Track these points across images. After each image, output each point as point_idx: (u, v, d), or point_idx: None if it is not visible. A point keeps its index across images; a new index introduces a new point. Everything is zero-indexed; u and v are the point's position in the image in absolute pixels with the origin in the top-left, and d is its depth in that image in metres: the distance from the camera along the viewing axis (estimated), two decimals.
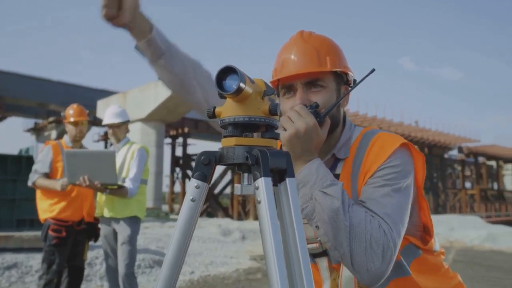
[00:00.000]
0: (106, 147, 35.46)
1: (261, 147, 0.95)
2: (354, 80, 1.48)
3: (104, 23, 1.18)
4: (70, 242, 4.21)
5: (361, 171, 1.35)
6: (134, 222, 4.23)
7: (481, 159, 45.13)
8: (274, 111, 0.95)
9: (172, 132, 30.23)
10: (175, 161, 32.09)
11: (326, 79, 1.41)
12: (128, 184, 4.17)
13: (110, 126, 4.39)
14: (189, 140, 32.38)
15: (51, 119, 33.98)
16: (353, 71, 1.51)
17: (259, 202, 0.89)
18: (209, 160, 0.96)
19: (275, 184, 0.96)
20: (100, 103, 25.73)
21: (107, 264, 4.39)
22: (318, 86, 1.41)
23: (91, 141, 37.35)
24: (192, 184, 0.96)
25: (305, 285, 0.86)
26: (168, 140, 31.40)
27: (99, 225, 4.46)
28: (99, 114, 25.30)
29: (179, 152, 32.14)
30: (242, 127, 0.97)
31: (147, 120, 21.97)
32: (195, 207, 0.95)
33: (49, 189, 4.14)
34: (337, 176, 1.39)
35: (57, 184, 4.07)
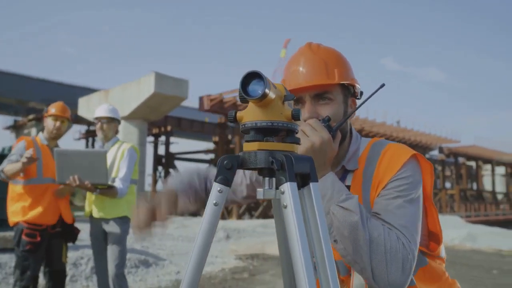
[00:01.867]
0: (87, 145, 35.14)
1: (284, 151, 0.95)
2: (361, 92, 1.49)
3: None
4: (44, 246, 4.04)
5: (373, 183, 1.37)
6: (124, 222, 4.20)
7: (461, 160, 45.78)
8: (297, 116, 0.96)
9: (155, 131, 30.06)
10: (157, 159, 31.92)
11: (334, 91, 1.43)
12: (118, 184, 4.14)
13: (100, 119, 4.34)
14: (172, 139, 32.26)
15: (31, 116, 33.55)
16: (360, 83, 1.52)
17: (285, 207, 0.90)
18: (232, 165, 0.97)
19: (298, 188, 0.96)
20: (82, 101, 25.46)
21: (96, 264, 4.35)
22: (326, 99, 1.42)
23: (72, 139, 36.97)
24: (215, 189, 0.96)
25: (331, 287, 0.88)
26: (151, 138, 31.22)
27: (80, 225, 4.37)
28: (80, 112, 25.04)
29: (161, 150, 32.02)
30: (264, 132, 0.97)
31: (129, 118, 21.79)
32: (217, 211, 0.95)
33: (16, 172, 3.82)
34: (347, 188, 1.39)
35: (19, 162, 3.75)
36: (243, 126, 1.00)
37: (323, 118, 1.35)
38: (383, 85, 1.38)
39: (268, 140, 0.98)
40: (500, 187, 55.94)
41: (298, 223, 0.87)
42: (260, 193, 0.97)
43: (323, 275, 0.91)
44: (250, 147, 0.98)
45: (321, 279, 0.92)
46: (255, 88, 0.91)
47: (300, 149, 1.23)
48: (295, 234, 0.87)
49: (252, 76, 0.91)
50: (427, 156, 39.03)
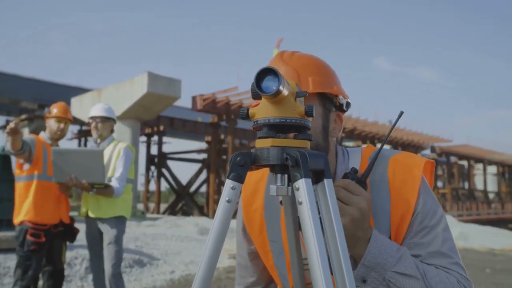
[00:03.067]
0: (79, 145, 34.98)
1: (297, 148, 0.95)
2: (348, 103, 1.33)
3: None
4: (47, 246, 4.08)
5: (393, 213, 1.24)
6: (120, 221, 4.19)
7: (453, 159, 46.06)
8: (310, 112, 0.96)
9: (147, 130, 29.99)
10: (150, 159, 31.86)
11: (307, 103, 1.19)
12: (114, 183, 4.13)
13: (94, 118, 4.32)
14: (165, 139, 32.21)
15: (23, 116, 33.33)
16: (347, 93, 1.34)
17: (300, 203, 0.90)
18: (245, 162, 0.97)
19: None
20: (74, 101, 25.37)
21: (92, 264, 4.34)
22: None
23: (65, 139, 36.76)
24: (227, 185, 0.96)
25: (347, 285, 0.88)
26: (143, 138, 31.16)
27: (77, 225, 4.35)
28: (73, 112, 24.92)
29: (154, 150, 31.95)
30: (277, 128, 0.97)
31: (122, 118, 21.72)
32: (230, 208, 0.95)
33: (15, 142, 3.75)
34: None
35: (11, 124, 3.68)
36: (255, 122, 0.99)
37: (349, 172, 1.21)
38: (402, 113, 1.27)
39: (279, 136, 0.98)
40: (492, 186, 56.37)
41: (313, 219, 0.87)
42: (273, 190, 0.97)
43: (338, 272, 0.91)
44: (263, 143, 0.98)
45: (336, 276, 0.92)
46: (269, 84, 0.91)
47: (344, 222, 1.09)
48: (311, 231, 0.87)
49: (266, 72, 0.91)
50: (419, 155, 39.11)
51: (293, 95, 0.98)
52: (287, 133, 1.00)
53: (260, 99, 0.99)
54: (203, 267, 0.94)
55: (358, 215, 1.11)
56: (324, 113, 1.28)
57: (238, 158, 0.97)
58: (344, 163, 1.34)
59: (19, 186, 4.11)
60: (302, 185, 0.90)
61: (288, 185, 0.97)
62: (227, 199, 0.95)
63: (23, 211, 4.02)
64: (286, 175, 0.97)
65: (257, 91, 0.91)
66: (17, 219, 4.06)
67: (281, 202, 1.17)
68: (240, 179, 0.97)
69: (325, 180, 0.95)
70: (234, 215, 1.92)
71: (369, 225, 1.15)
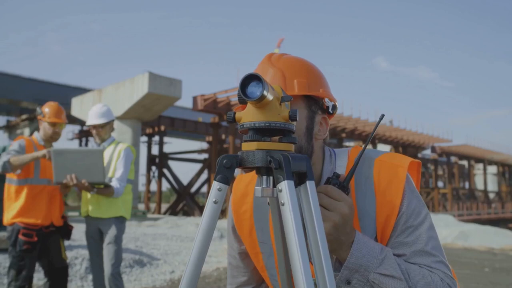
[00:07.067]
0: (80, 145, 35.03)
1: (281, 151, 0.99)
2: (334, 106, 1.32)
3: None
4: (39, 246, 4.03)
5: (378, 214, 1.25)
6: (120, 221, 4.22)
7: (453, 159, 46.09)
8: (293, 117, 0.99)
9: (148, 130, 30.05)
10: (151, 159, 31.91)
11: (293, 105, 1.25)
12: (115, 183, 4.16)
13: (94, 126, 4.36)
14: (166, 139, 32.25)
15: (24, 116, 33.40)
16: (335, 97, 1.34)
17: (283, 204, 0.93)
18: (231, 164, 1.00)
19: (295, 186, 0.99)
20: (75, 101, 25.42)
21: (92, 264, 4.36)
22: None
23: (66, 139, 36.85)
24: (214, 187, 0.99)
25: (327, 284, 0.91)
26: (144, 138, 31.21)
27: (77, 225, 4.34)
28: (73, 112, 25.01)
29: (155, 150, 32.00)
30: (262, 132, 1.01)
31: (122, 118, 21.77)
32: (217, 209, 0.99)
33: (23, 164, 3.85)
34: None
35: (39, 152, 3.87)
36: (241, 126, 1.03)
37: (331, 177, 1.21)
38: (382, 116, 1.27)
39: (265, 140, 1.01)
40: (492, 186, 56.38)
41: (295, 219, 0.91)
42: (258, 191, 1.01)
43: (319, 271, 0.94)
44: (248, 146, 1.01)
45: (317, 274, 0.95)
46: (254, 90, 0.94)
47: (327, 228, 1.11)
48: (293, 230, 0.90)
49: (250, 78, 0.95)
50: (419, 155, 39.24)
51: (278, 100, 1.01)
52: (272, 136, 1.04)
53: (246, 103, 1.03)
54: (191, 266, 0.98)
55: (340, 220, 1.12)
56: (309, 116, 1.28)
57: (225, 161, 1.01)
58: (331, 165, 1.35)
59: (10, 188, 4.06)
60: (285, 186, 0.94)
61: (274, 186, 1.01)
62: (214, 200, 0.99)
63: (14, 212, 3.98)
64: (271, 177, 1.02)
65: (242, 96, 0.95)
66: (7, 220, 4.02)
67: (269, 204, 1.21)
68: (226, 181, 1.00)
69: (308, 182, 0.99)
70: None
71: (351, 229, 1.16)
